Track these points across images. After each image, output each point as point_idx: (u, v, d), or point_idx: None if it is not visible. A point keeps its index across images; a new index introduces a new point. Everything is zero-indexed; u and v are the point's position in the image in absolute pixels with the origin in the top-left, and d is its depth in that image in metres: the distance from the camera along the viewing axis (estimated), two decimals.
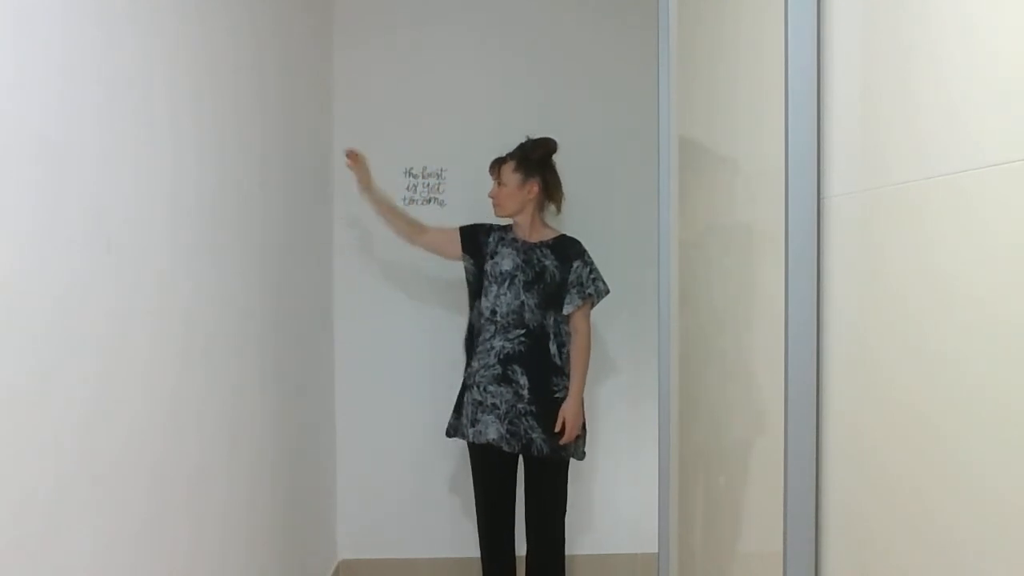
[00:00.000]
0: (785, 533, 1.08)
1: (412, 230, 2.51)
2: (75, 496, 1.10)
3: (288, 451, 2.24)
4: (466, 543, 2.87)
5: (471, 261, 2.49)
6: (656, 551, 1.85)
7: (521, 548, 2.52)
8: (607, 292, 2.46)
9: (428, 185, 2.93)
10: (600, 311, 2.93)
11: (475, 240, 2.48)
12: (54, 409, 1.04)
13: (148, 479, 1.32)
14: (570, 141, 2.94)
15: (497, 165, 2.44)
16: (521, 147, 2.44)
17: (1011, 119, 0.69)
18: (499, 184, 2.42)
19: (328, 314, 2.85)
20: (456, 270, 2.60)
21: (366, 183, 2.48)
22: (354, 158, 2.44)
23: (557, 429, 2.36)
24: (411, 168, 2.93)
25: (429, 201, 2.93)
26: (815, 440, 1.07)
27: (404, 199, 2.92)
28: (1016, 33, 0.69)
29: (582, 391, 2.41)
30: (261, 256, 1.98)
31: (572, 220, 2.93)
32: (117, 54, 1.22)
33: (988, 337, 0.73)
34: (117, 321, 1.21)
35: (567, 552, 2.77)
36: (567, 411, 2.37)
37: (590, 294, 2.42)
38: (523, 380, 2.35)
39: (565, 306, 2.40)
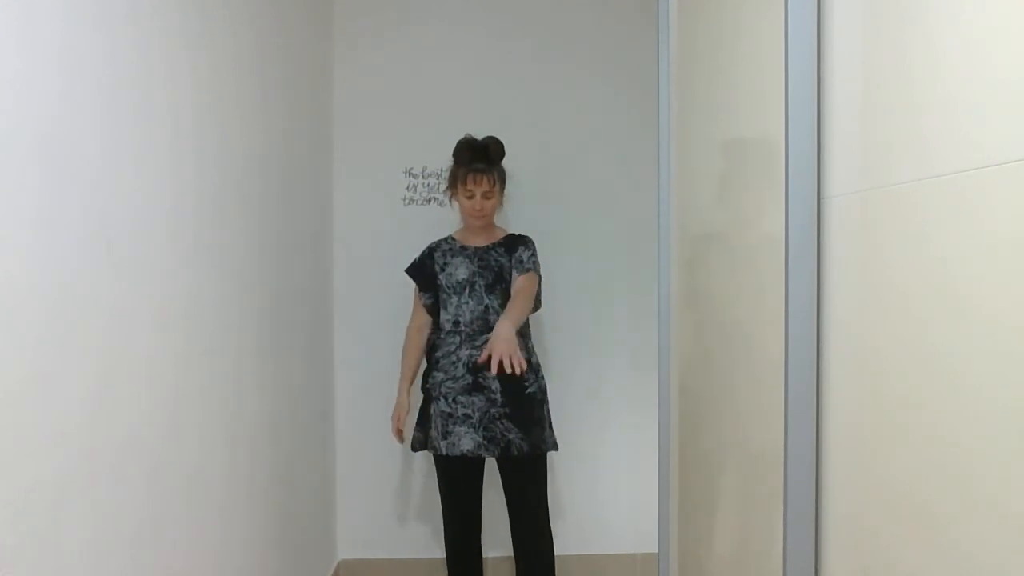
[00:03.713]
0: (785, 533, 1.08)
1: (422, 336, 2.50)
2: (75, 496, 1.10)
3: (288, 451, 2.24)
4: None
5: (431, 298, 2.47)
6: (656, 551, 1.85)
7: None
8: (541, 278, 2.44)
9: (428, 185, 2.93)
10: (600, 311, 2.95)
11: (425, 274, 2.48)
12: (54, 409, 1.05)
13: (148, 479, 1.32)
14: (571, 141, 2.95)
15: (485, 176, 2.37)
16: (491, 152, 2.39)
17: (1011, 119, 0.69)
18: (487, 197, 2.37)
19: (328, 314, 2.85)
20: None
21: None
22: (399, 435, 2.52)
23: (483, 358, 2.08)
24: (411, 168, 2.93)
25: (429, 201, 2.93)
26: (815, 440, 1.07)
27: (404, 199, 2.93)
28: (1016, 33, 0.69)
29: (518, 321, 2.19)
30: (261, 256, 1.98)
31: (571, 220, 2.94)
32: (117, 54, 1.22)
33: (988, 336, 0.73)
34: (117, 321, 1.21)
35: (566, 552, 2.77)
36: (497, 331, 2.08)
37: (529, 268, 2.37)
38: (495, 384, 2.32)
39: (512, 282, 2.37)
